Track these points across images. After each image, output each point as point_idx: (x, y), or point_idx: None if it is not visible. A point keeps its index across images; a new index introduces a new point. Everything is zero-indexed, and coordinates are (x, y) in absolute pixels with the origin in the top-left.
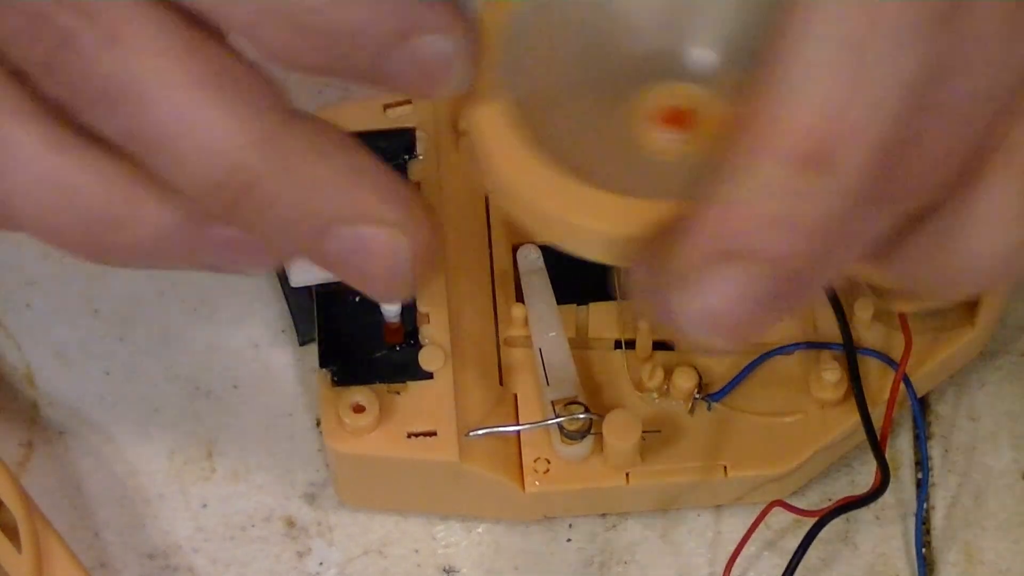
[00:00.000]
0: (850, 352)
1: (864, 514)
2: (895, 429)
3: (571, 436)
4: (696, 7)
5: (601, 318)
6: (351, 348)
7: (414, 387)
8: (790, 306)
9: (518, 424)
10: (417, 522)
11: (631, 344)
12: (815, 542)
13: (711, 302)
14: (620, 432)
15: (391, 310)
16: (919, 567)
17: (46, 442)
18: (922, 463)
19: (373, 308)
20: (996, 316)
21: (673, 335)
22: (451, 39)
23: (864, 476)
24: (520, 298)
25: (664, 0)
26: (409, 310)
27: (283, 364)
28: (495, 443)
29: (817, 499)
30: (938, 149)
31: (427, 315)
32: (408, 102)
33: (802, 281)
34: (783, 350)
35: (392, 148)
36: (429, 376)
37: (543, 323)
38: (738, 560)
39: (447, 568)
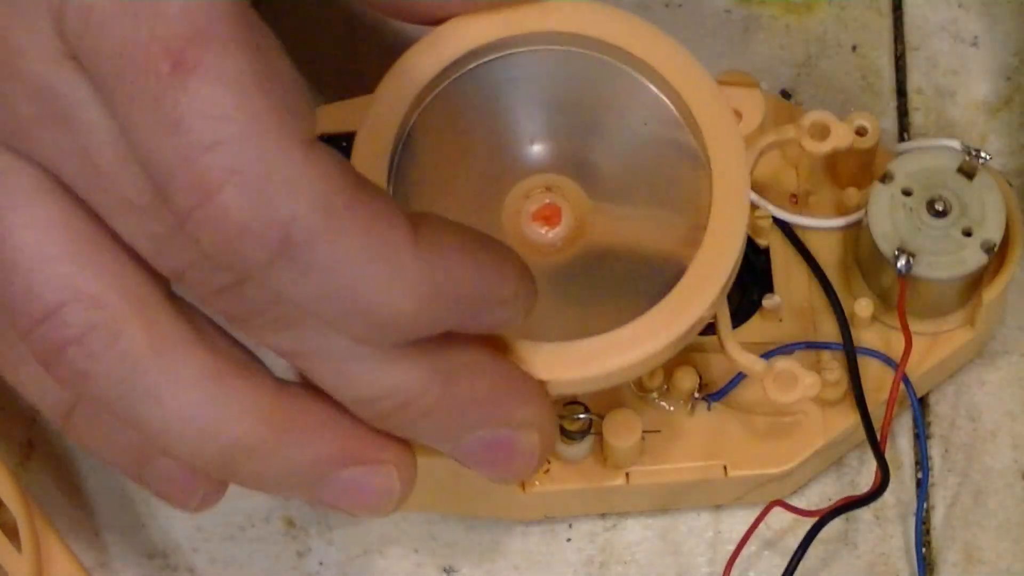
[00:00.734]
0: (850, 352)
1: (864, 514)
2: (895, 429)
3: (571, 436)
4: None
5: None
6: None
7: None
8: None
9: None
10: (417, 522)
11: None
12: (815, 542)
13: None
14: (620, 432)
15: None
16: (919, 567)
17: (46, 442)
18: (922, 463)
19: None
20: (996, 316)
21: None
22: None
23: (864, 476)
24: None
25: (548, 105)
26: None
27: (284, 363)
28: None
29: (817, 499)
30: None
31: None
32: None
33: None
34: (783, 350)
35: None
36: None
37: None
38: (738, 560)
39: (447, 568)
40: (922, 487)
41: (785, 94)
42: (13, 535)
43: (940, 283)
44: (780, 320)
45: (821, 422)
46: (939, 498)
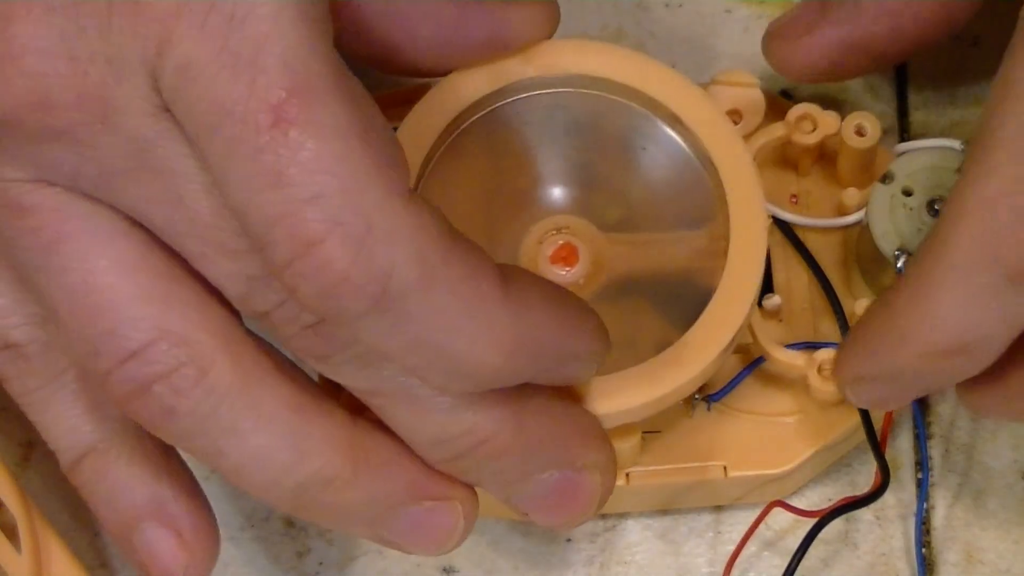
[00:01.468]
0: None
1: (864, 514)
2: (895, 429)
3: None
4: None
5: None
6: None
7: None
8: None
9: None
10: None
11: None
12: (816, 542)
13: None
14: (620, 433)
15: None
16: (919, 567)
17: (46, 442)
18: (922, 463)
19: None
20: None
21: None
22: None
23: (864, 476)
24: None
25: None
26: None
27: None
28: None
29: (817, 499)
30: None
31: None
32: (405, 102)
33: None
34: None
35: None
36: None
37: None
38: (738, 560)
39: (447, 568)
40: (922, 487)
41: (786, 94)
42: (13, 535)
43: None
44: (780, 320)
45: (821, 423)
46: (939, 498)
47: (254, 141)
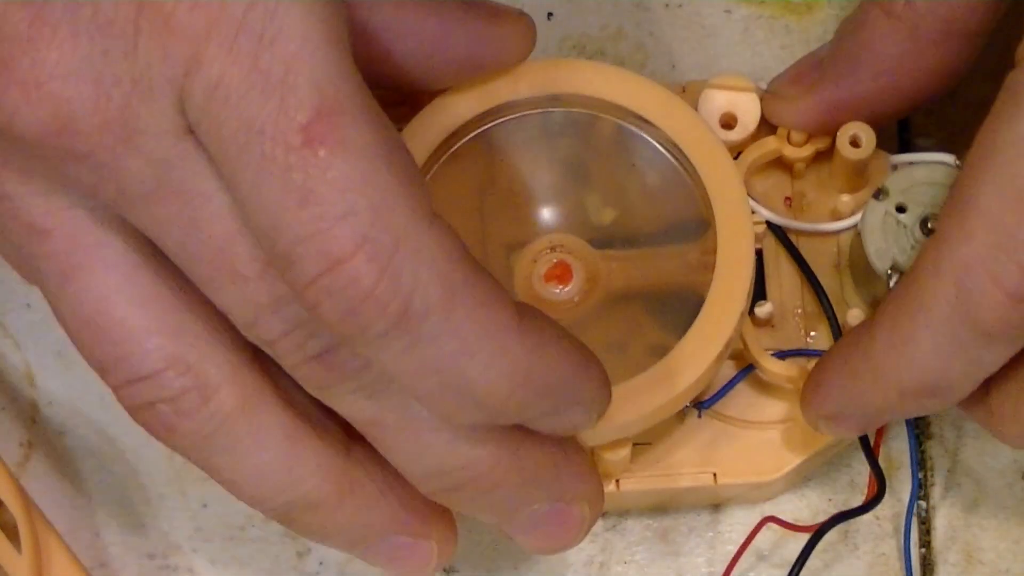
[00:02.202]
0: None
1: (864, 515)
2: (895, 429)
3: None
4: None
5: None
6: None
7: None
8: None
9: None
10: None
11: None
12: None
13: None
14: (611, 444)
15: None
16: (919, 567)
17: (46, 442)
18: (922, 463)
19: None
20: None
21: None
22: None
23: (864, 476)
24: None
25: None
26: None
27: None
28: None
29: (816, 499)
30: None
31: None
32: (403, 103)
33: None
34: (776, 357)
35: None
36: None
37: None
38: (738, 561)
39: (447, 568)
40: (922, 487)
41: None
42: (13, 535)
43: None
44: (772, 326)
45: (810, 430)
46: (939, 498)
47: (284, 160)
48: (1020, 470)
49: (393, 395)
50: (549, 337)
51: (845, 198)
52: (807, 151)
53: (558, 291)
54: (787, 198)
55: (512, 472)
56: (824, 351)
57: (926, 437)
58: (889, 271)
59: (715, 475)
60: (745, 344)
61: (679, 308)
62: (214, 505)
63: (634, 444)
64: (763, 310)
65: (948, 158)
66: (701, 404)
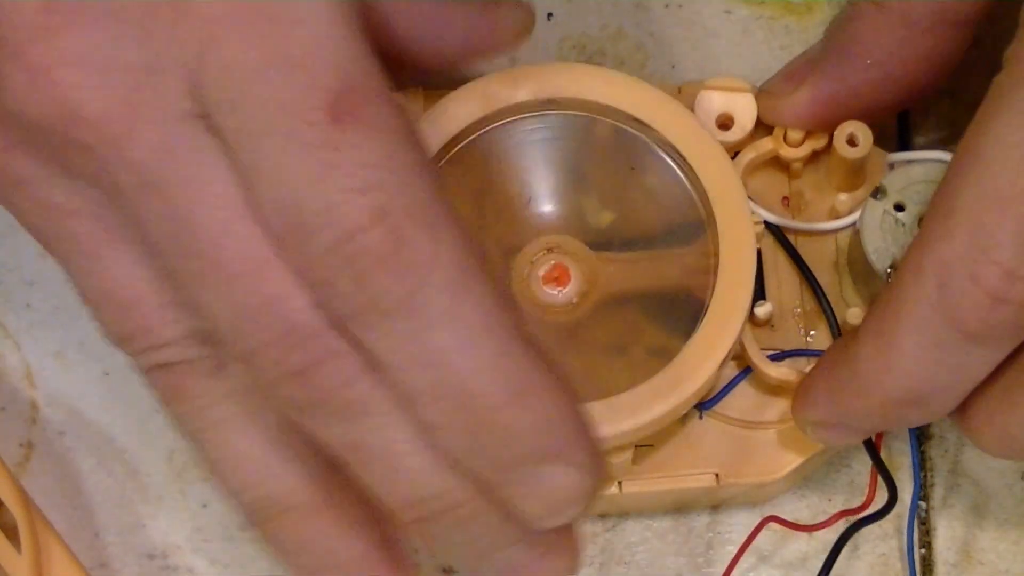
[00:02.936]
0: None
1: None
2: (895, 430)
3: None
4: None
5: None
6: None
7: None
8: None
9: None
10: None
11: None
12: (814, 543)
13: None
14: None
15: None
16: (919, 567)
17: (46, 442)
18: (923, 464)
19: None
20: None
21: None
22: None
23: (864, 476)
24: None
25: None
26: None
27: None
28: None
29: (816, 499)
30: None
31: None
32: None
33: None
34: (774, 358)
35: None
36: None
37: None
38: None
39: (447, 568)
40: (923, 487)
41: None
42: (13, 535)
43: None
44: (772, 327)
45: None
46: (939, 499)
47: (308, 136)
48: (1020, 471)
49: (373, 417)
50: (552, 367)
51: (843, 197)
52: (804, 151)
53: (556, 293)
54: (785, 198)
55: (489, 508)
56: (823, 351)
57: (927, 438)
58: (888, 270)
59: (717, 476)
60: (744, 347)
61: (677, 311)
62: (214, 505)
63: (636, 446)
64: (762, 310)
65: (946, 156)
66: (702, 405)
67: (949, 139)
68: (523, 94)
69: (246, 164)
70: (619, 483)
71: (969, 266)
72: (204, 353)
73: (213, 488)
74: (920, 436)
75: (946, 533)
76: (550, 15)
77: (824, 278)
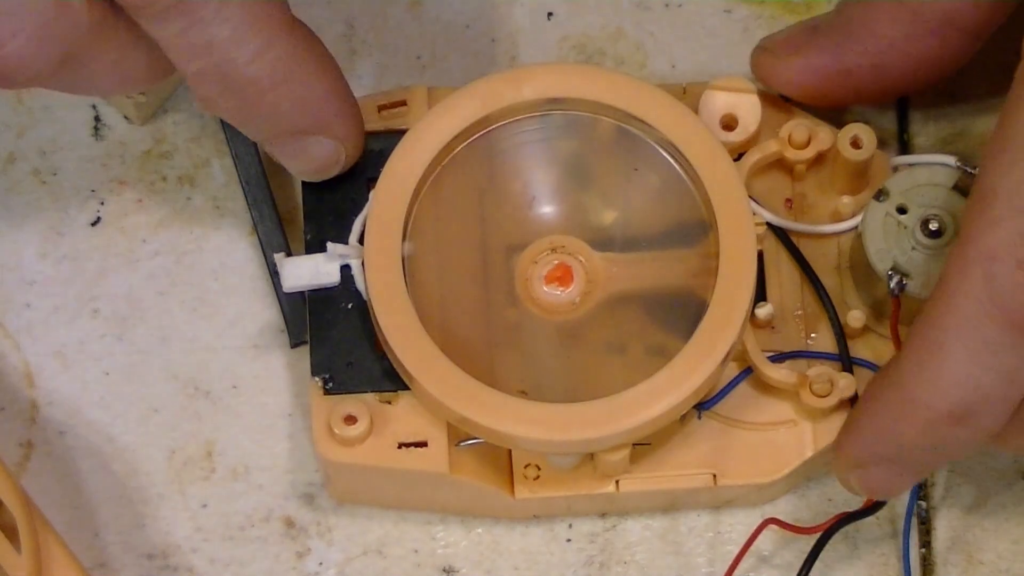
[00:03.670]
0: (845, 362)
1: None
2: None
3: None
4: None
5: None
6: (343, 357)
7: (406, 397)
8: None
9: None
10: (416, 522)
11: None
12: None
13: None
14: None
15: None
16: (919, 568)
17: (46, 442)
18: None
19: (365, 316)
20: None
21: None
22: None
23: None
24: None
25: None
26: None
27: (282, 365)
28: (485, 450)
29: (816, 499)
30: None
31: None
32: (403, 104)
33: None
34: (775, 359)
35: (386, 149)
36: None
37: None
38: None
39: (446, 568)
40: (922, 488)
41: (785, 96)
42: (13, 535)
43: None
44: (773, 328)
45: (811, 432)
46: (939, 498)
47: None
48: (1020, 470)
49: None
50: (319, 55)
51: (846, 199)
52: (809, 153)
53: (559, 292)
54: (788, 200)
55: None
56: (823, 352)
57: None
58: (890, 272)
59: (715, 476)
60: (744, 348)
61: (679, 311)
62: (213, 505)
63: (633, 445)
64: (763, 311)
65: (949, 159)
66: (702, 405)
67: (949, 139)
68: (526, 94)
69: None
70: (616, 482)
71: (1015, 253)
72: None
73: (213, 488)
74: None
75: (946, 533)
76: (550, 15)
77: (826, 281)
